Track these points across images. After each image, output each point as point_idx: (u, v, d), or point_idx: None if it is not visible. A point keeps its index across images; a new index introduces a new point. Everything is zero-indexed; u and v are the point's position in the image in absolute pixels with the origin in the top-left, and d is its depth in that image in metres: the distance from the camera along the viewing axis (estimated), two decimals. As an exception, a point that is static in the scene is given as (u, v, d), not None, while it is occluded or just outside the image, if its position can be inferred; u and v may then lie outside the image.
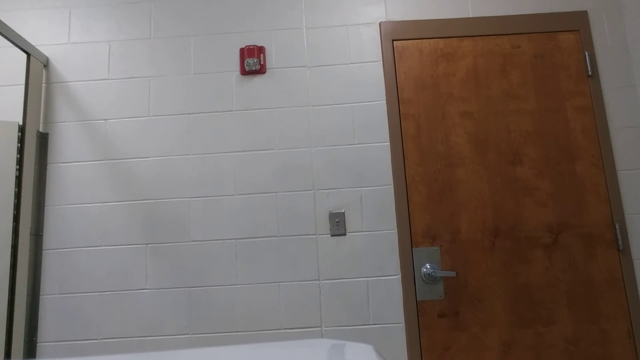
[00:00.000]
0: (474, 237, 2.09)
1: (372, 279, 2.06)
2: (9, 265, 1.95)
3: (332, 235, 2.10)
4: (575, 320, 2.03)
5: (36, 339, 2.02)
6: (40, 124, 2.20)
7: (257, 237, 2.10)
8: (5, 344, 1.89)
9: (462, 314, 2.04)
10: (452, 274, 1.98)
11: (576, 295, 2.05)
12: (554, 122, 2.19)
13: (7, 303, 1.93)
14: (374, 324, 2.02)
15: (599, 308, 2.04)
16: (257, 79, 2.25)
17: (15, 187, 2.02)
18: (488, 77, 2.24)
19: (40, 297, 2.06)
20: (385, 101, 2.21)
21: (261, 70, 2.24)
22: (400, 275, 2.05)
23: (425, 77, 2.25)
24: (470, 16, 2.30)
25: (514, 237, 2.09)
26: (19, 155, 2.05)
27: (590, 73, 2.23)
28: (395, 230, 2.09)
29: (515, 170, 2.14)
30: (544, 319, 2.03)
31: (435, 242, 2.09)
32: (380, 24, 2.29)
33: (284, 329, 2.02)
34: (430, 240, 2.08)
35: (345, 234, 2.10)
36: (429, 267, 2.04)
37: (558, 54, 2.26)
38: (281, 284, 2.06)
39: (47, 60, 2.27)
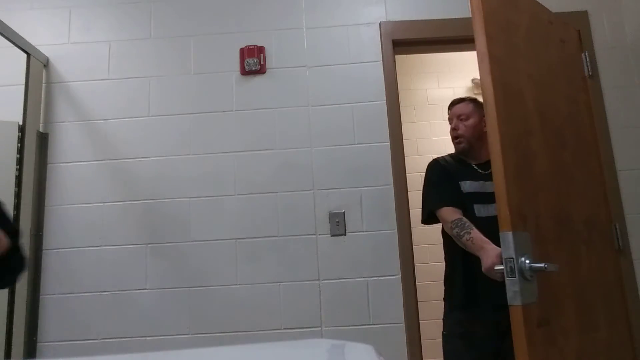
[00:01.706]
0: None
1: (372, 279, 2.06)
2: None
3: (332, 235, 2.10)
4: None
5: (36, 339, 2.02)
6: (40, 124, 2.20)
7: (257, 237, 2.10)
8: (5, 344, 1.89)
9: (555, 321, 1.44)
10: (555, 267, 1.32)
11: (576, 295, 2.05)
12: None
13: (7, 303, 1.93)
14: (374, 324, 2.02)
15: (599, 309, 2.04)
16: (257, 79, 2.25)
17: (15, 187, 2.02)
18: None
19: (40, 297, 2.06)
20: (385, 101, 2.21)
21: (261, 70, 2.24)
22: (400, 275, 2.05)
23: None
24: (471, 16, 2.29)
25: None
26: (19, 155, 2.05)
27: (590, 73, 2.23)
28: (396, 230, 2.09)
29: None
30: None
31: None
32: (380, 24, 2.29)
33: (284, 329, 2.02)
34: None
35: (345, 234, 2.10)
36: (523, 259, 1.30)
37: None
38: (281, 284, 2.06)
39: (47, 60, 2.27)
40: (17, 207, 2.00)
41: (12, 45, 2.04)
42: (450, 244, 1.77)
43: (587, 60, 2.23)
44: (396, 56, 2.29)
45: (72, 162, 2.18)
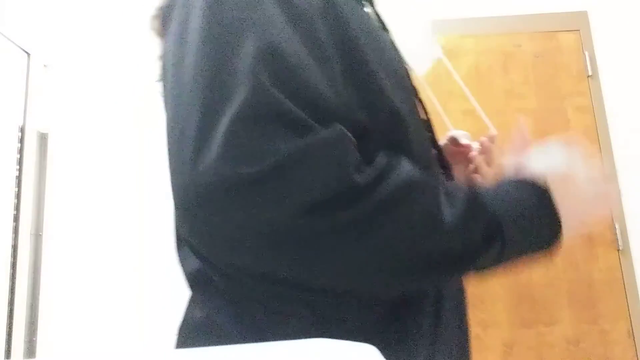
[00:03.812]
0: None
1: (372, 279, 2.05)
2: (9, 265, 1.95)
3: (332, 235, 2.10)
4: (575, 320, 2.03)
5: (36, 339, 2.02)
6: (40, 124, 2.20)
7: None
8: (5, 344, 1.89)
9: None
10: None
11: (576, 295, 2.05)
12: (554, 122, 2.19)
13: (7, 303, 1.92)
14: (374, 324, 2.02)
15: (599, 308, 2.04)
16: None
17: (15, 187, 2.01)
18: (489, 76, 2.24)
19: (40, 297, 2.06)
20: (385, 101, 2.21)
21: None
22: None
23: (425, 75, 2.25)
24: (471, 16, 2.30)
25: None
26: (19, 155, 2.05)
27: (590, 73, 2.22)
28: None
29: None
30: (545, 320, 2.03)
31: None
32: (380, 24, 2.29)
33: (284, 329, 2.03)
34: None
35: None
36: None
37: (558, 54, 2.25)
38: (281, 284, 2.06)
39: (47, 60, 2.26)
40: (17, 207, 2.00)
41: (12, 45, 2.04)
42: None
43: (587, 60, 2.23)
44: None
45: (72, 162, 2.18)
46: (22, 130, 2.07)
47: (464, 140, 0.74)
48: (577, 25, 2.28)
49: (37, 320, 2.04)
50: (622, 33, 2.29)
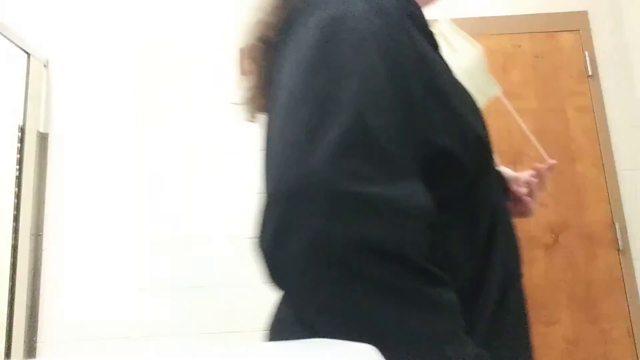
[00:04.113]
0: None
1: (372, 279, 2.05)
2: (9, 265, 1.95)
3: (332, 235, 2.09)
4: (575, 320, 2.03)
5: (36, 339, 2.02)
6: (41, 124, 2.20)
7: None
8: (5, 344, 1.89)
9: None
10: None
11: (576, 295, 2.05)
12: (554, 122, 2.19)
13: (7, 303, 1.92)
14: (374, 324, 2.02)
15: (599, 308, 2.04)
16: (257, 79, 2.24)
17: (15, 187, 2.01)
18: (488, 77, 2.24)
19: (40, 297, 2.06)
20: (385, 101, 2.20)
21: (261, 70, 2.24)
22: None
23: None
24: (471, 16, 2.30)
25: (514, 237, 2.09)
26: (19, 155, 2.05)
27: (590, 73, 2.22)
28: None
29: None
30: (544, 319, 2.03)
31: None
32: (380, 24, 2.29)
33: (284, 329, 2.02)
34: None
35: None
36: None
37: (558, 54, 2.26)
38: (281, 284, 2.06)
39: (47, 60, 2.26)
40: (17, 207, 2.00)
41: (12, 45, 2.04)
42: None
43: (587, 60, 2.23)
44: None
45: (72, 162, 2.17)
46: (22, 130, 2.07)
47: (514, 187, 0.81)
48: (577, 25, 2.28)
49: (37, 320, 2.03)
50: (622, 33, 2.29)
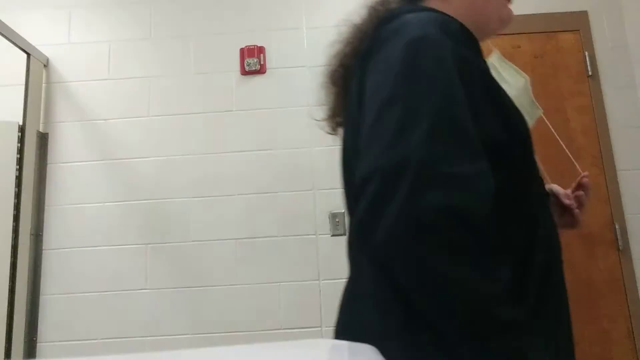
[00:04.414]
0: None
1: (372, 279, 2.05)
2: (9, 265, 1.95)
3: (332, 235, 2.10)
4: (575, 320, 2.03)
5: (36, 339, 2.02)
6: (40, 124, 2.20)
7: (257, 237, 2.10)
8: (5, 344, 1.89)
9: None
10: None
11: (576, 295, 2.05)
12: (554, 122, 2.19)
13: (7, 303, 1.92)
14: (374, 324, 2.02)
15: (599, 308, 2.04)
16: (257, 79, 2.25)
17: (15, 187, 2.01)
18: (488, 77, 2.24)
19: (40, 297, 2.06)
20: (385, 101, 2.20)
21: (261, 70, 2.24)
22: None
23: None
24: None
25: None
26: (19, 155, 2.05)
27: (590, 73, 2.23)
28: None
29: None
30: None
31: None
32: (380, 24, 2.29)
33: (284, 329, 2.02)
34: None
35: (345, 234, 2.09)
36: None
37: (558, 54, 2.26)
38: (281, 284, 2.06)
39: (47, 60, 2.27)
40: (17, 207, 2.00)
41: (12, 45, 2.04)
42: None
43: (587, 60, 2.23)
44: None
45: (72, 162, 2.18)
46: (22, 130, 2.07)
47: (565, 201, 0.90)
48: (577, 25, 2.28)
49: (37, 320, 2.04)
50: (622, 33, 2.30)
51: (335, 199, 2.12)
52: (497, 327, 0.53)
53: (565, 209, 0.90)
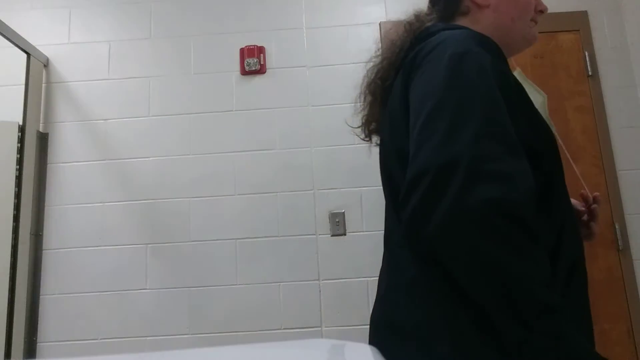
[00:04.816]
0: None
1: (372, 279, 2.05)
2: (9, 265, 1.95)
3: (332, 235, 2.10)
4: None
5: (36, 339, 2.02)
6: (40, 124, 2.20)
7: (257, 237, 2.10)
8: (5, 344, 1.89)
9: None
10: None
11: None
12: (554, 122, 2.19)
13: (7, 303, 1.93)
14: (374, 324, 2.02)
15: (599, 308, 2.04)
16: (257, 79, 2.25)
17: (15, 187, 2.02)
18: (488, 77, 2.24)
19: (40, 297, 2.06)
20: (385, 101, 2.21)
21: (261, 70, 2.24)
22: (400, 275, 2.05)
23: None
24: (470, 16, 2.30)
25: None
26: (19, 155, 2.05)
27: (590, 73, 2.23)
28: (395, 230, 2.09)
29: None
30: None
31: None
32: (380, 24, 2.29)
33: (284, 329, 2.03)
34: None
35: (345, 234, 2.10)
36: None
37: (558, 54, 2.26)
38: (281, 284, 2.06)
39: (47, 60, 2.27)
40: (17, 207, 2.00)
41: (12, 45, 2.04)
42: None
43: (587, 60, 2.23)
44: (396, 56, 2.29)
45: (72, 162, 2.18)
46: (22, 130, 2.07)
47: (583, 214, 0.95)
48: (577, 25, 2.28)
49: (37, 320, 2.04)
50: (622, 33, 2.30)
51: (335, 199, 2.12)
52: (541, 309, 0.57)
53: (582, 223, 0.95)
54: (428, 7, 0.94)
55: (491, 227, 0.58)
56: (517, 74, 1.08)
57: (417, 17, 0.92)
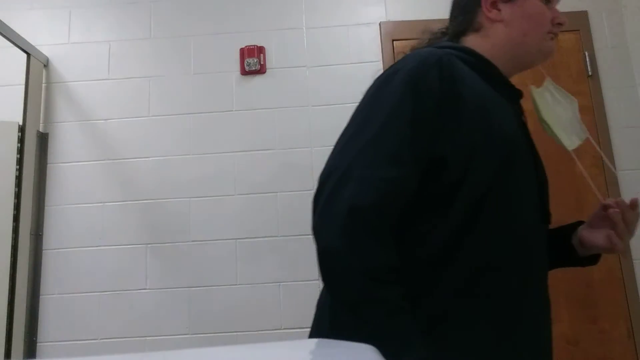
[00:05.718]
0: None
1: (372, 279, 2.05)
2: (9, 265, 1.95)
3: (332, 235, 2.09)
4: (575, 320, 2.03)
5: (36, 339, 2.02)
6: (40, 124, 2.20)
7: (257, 237, 2.10)
8: (5, 344, 1.89)
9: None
10: None
11: (576, 295, 2.05)
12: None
13: (7, 303, 1.93)
14: (374, 324, 2.02)
15: (599, 308, 2.04)
16: (257, 79, 2.25)
17: (15, 187, 2.02)
18: (488, 77, 2.24)
19: (40, 297, 2.06)
20: (385, 101, 2.20)
21: (261, 70, 2.24)
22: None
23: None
24: (470, 16, 2.30)
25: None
26: (19, 155, 2.05)
27: (590, 73, 2.23)
28: (395, 230, 2.09)
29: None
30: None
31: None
32: (380, 24, 2.29)
33: (284, 329, 2.03)
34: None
35: (345, 234, 2.09)
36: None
37: (558, 54, 2.26)
38: (281, 284, 2.06)
39: (47, 60, 2.27)
40: (17, 207, 2.00)
41: (12, 45, 2.04)
42: None
43: (587, 60, 2.23)
44: (396, 56, 2.29)
45: (72, 162, 2.18)
46: (22, 130, 2.07)
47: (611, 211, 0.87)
48: (577, 25, 2.28)
49: (37, 320, 2.04)
50: (622, 33, 2.30)
51: (335, 199, 2.12)
52: (369, 300, 0.64)
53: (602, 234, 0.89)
54: (448, 23, 0.98)
55: (339, 223, 0.67)
56: (549, 82, 1.10)
57: (431, 33, 0.97)
